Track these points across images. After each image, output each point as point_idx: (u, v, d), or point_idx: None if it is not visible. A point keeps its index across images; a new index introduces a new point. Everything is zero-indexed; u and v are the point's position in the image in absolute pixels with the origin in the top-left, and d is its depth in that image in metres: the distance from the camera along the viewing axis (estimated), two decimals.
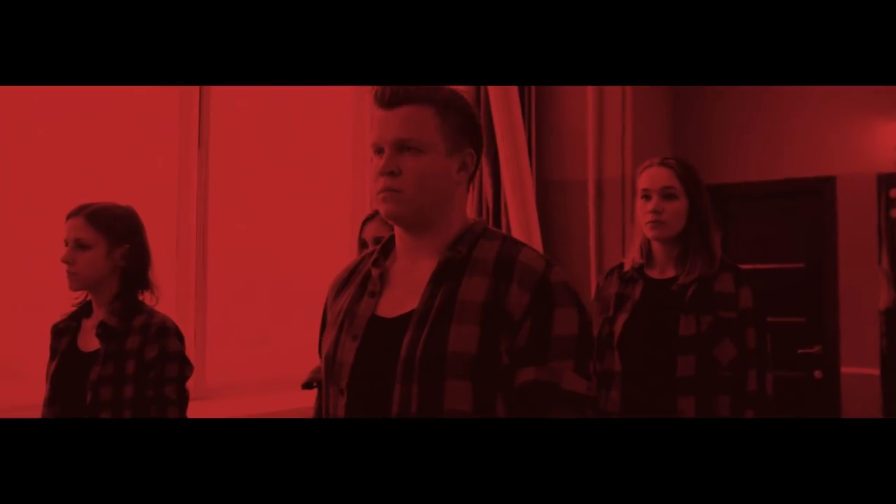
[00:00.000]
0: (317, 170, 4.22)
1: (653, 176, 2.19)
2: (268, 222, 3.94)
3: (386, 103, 1.38)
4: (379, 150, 1.38)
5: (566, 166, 4.74)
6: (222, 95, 3.65)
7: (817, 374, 4.61)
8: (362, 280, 1.46)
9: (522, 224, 4.42)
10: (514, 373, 1.30)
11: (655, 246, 2.23)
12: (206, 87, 3.57)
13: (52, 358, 2.01)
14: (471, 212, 4.61)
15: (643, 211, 2.20)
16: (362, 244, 2.47)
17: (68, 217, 1.97)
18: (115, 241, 1.97)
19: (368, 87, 4.25)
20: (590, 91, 4.67)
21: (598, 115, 4.69)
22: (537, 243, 4.50)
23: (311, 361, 1.97)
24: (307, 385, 2.10)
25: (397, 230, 1.45)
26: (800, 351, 4.65)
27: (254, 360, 4.05)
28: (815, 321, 4.62)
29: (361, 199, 4.28)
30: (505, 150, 4.43)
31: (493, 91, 4.44)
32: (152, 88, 3.51)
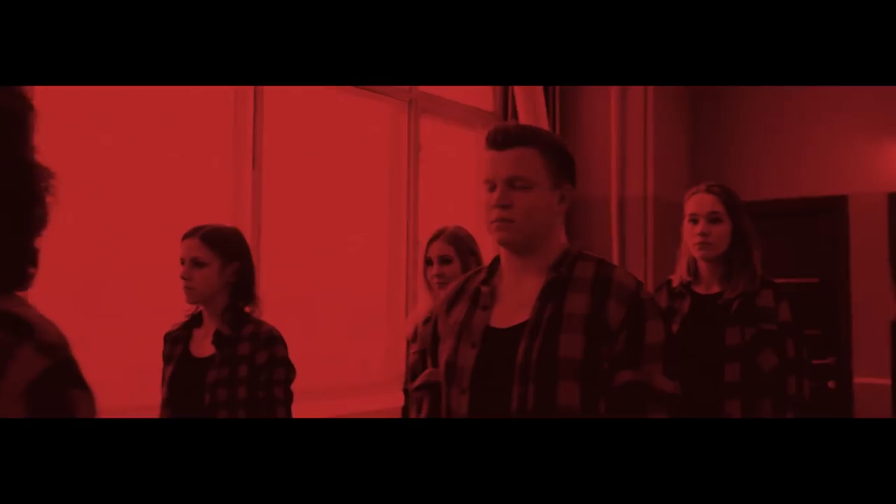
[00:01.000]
0: (355, 187, 4.48)
1: (699, 201, 2.47)
2: (314, 239, 4.19)
3: (498, 145, 1.65)
4: (492, 186, 1.65)
5: (589, 185, 5.01)
6: (272, 113, 3.92)
7: (831, 384, 4.89)
8: (473, 296, 1.72)
9: None
10: (612, 375, 1.56)
11: (702, 265, 2.50)
12: (258, 111, 3.83)
13: (166, 363, 2.27)
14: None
15: (691, 233, 2.47)
16: (428, 262, 2.74)
17: (184, 238, 2.24)
18: (226, 259, 2.23)
19: (405, 99, 4.53)
20: (613, 112, 4.95)
21: (621, 136, 4.97)
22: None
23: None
24: (419, 388, 2.35)
25: (504, 252, 1.71)
26: (814, 362, 4.92)
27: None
28: (829, 333, 4.90)
29: (398, 216, 4.54)
30: None
31: (522, 112, 4.72)
32: (208, 105, 3.77)
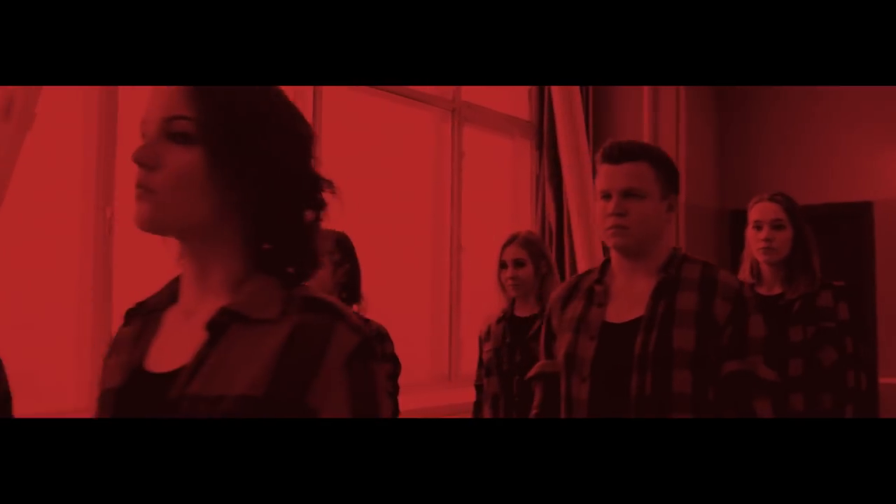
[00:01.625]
0: (400, 194, 4.68)
1: (763, 209, 2.69)
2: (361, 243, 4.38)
3: (614, 160, 1.86)
4: (607, 196, 1.86)
5: None
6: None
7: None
8: (587, 294, 1.93)
9: (586, 247, 4.90)
10: (720, 365, 1.78)
11: (764, 268, 2.72)
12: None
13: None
14: (532, 230, 5.10)
15: (755, 239, 2.69)
16: (502, 265, 2.95)
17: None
18: (338, 262, 2.44)
19: (448, 108, 4.74)
20: (645, 121, 5.18)
21: (654, 140, 5.20)
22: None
23: None
24: (533, 378, 2.55)
25: (615, 256, 1.92)
26: None
27: None
28: None
29: (442, 221, 4.74)
30: (571, 178, 4.92)
31: (560, 122, 4.93)
32: None
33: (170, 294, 1.08)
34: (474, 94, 4.90)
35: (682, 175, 5.05)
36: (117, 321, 1.14)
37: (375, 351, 1.02)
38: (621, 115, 5.30)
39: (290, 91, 3.66)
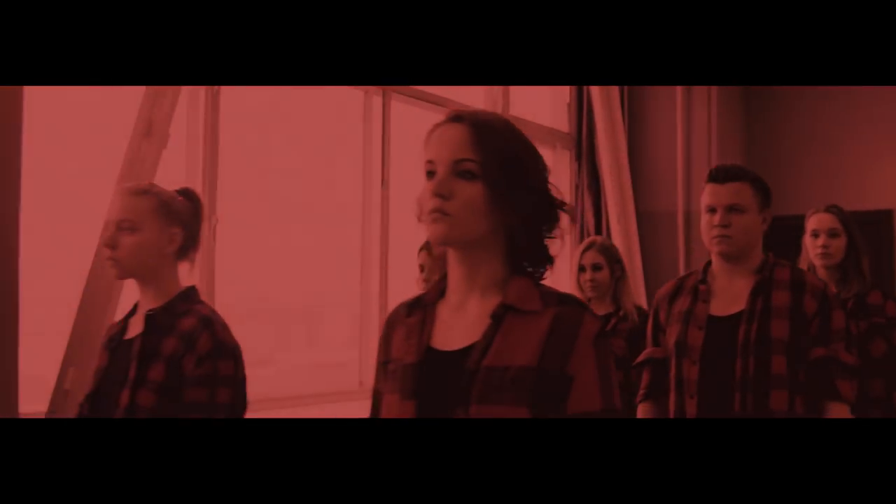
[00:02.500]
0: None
1: (820, 220, 3.07)
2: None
3: (719, 180, 2.24)
4: (712, 210, 2.23)
5: (657, 198, 5.61)
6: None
7: None
8: (692, 291, 2.30)
9: (625, 253, 5.27)
10: (808, 352, 2.15)
11: (821, 271, 3.10)
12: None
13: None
14: (572, 240, 5.48)
15: (813, 245, 3.07)
16: (581, 269, 3.31)
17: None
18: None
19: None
20: (679, 128, 5.56)
21: (686, 150, 5.58)
22: (638, 270, 5.37)
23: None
24: (642, 363, 2.85)
25: (717, 259, 2.29)
26: None
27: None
28: None
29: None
30: (611, 187, 5.31)
31: (601, 128, 5.31)
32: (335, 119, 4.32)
33: (439, 292, 1.44)
34: (519, 108, 5.27)
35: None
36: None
37: (608, 332, 1.38)
38: (654, 120, 5.68)
39: (356, 102, 3.99)
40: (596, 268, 3.27)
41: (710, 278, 2.30)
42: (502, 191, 1.33)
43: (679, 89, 5.59)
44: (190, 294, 1.87)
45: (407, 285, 4.85)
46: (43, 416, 2.76)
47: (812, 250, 3.09)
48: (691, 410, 2.16)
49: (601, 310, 3.28)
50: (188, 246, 1.89)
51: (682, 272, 5.46)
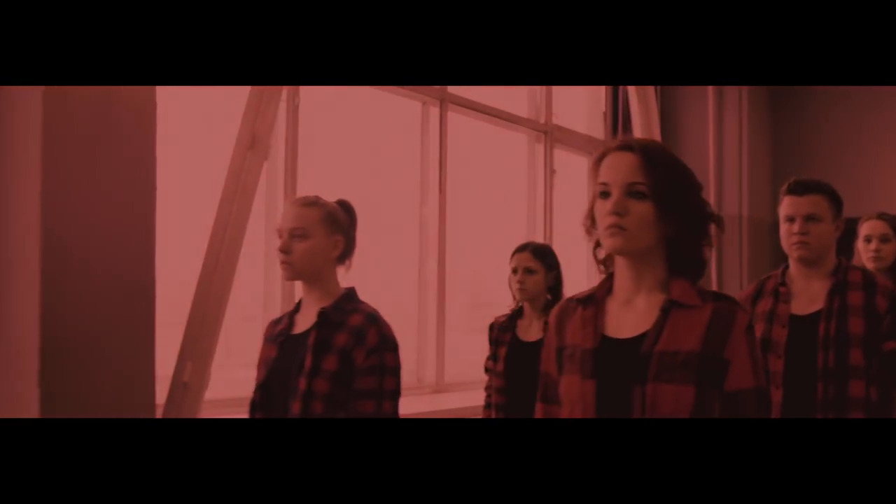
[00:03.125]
0: (496, 208, 5.32)
1: (873, 226, 3.36)
2: (463, 254, 5.00)
3: (798, 193, 2.52)
4: (791, 220, 2.51)
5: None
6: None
7: None
8: (773, 293, 2.58)
9: None
10: (881, 345, 2.44)
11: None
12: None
13: (498, 346, 3.11)
14: None
15: (865, 249, 3.36)
16: None
17: (515, 252, 3.11)
18: (548, 268, 3.09)
19: (542, 130, 5.37)
20: (710, 135, 5.86)
21: (719, 159, 5.88)
22: None
23: None
24: None
25: (795, 263, 2.57)
26: None
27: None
28: None
29: (536, 231, 5.39)
30: None
31: (638, 127, 5.60)
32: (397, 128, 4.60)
33: (607, 289, 1.72)
34: (558, 117, 5.55)
35: (744, 191, 5.76)
36: None
37: (753, 325, 1.66)
38: (686, 126, 5.97)
39: (414, 113, 4.28)
40: None
41: (788, 281, 2.58)
42: (667, 208, 1.62)
43: (711, 95, 5.89)
44: (352, 294, 2.15)
45: (461, 282, 5.19)
46: (162, 408, 3.02)
47: (864, 254, 3.37)
48: (777, 399, 2.45)
49: None
50: (347, 252, 2.17)
51: (714, 273, 5.77)
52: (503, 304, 3.27)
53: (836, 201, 2.54)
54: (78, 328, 2.55)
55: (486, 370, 3.24)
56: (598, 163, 1.69)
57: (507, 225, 5.38)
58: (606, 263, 1.74)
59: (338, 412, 2.01)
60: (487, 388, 3.22)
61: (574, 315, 1.73)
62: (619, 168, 1.63)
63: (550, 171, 5.44)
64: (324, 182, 4.21)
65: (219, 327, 3.11)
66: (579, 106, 5.95)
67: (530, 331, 3.12)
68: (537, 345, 3.03)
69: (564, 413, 1.68)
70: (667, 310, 1.62)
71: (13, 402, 2.51)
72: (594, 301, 1.71)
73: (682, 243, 1.65)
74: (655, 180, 1.61)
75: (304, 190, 3.92)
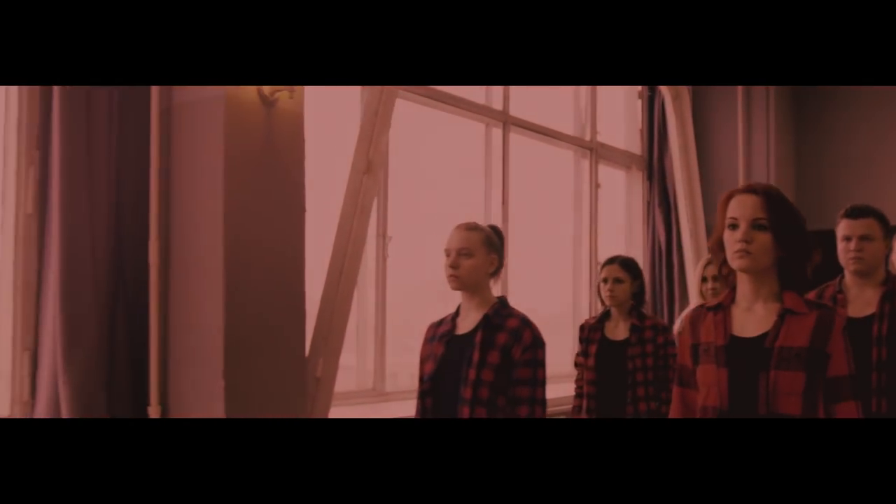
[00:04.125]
0: (545, 219, 5.86)
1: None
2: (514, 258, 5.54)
3: (854, 217, 3.07)
4: (848, 239, 3.06)
5: (714, 213, 6.44)
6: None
7: None
8: (832, 299, 3.13)
9: (694, 266, 6.11)
10: None
11: None
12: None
13: (588, 344, 3.66)
14: (645, 252, 6.34)
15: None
16: (704, 279, 4.13)
17: (605, 264, 3.67)
18: (633, 278, 3.65)
19: (588, 147, 5.91)
20: (740, 152, 6.42)
21: (748, 170, 6.44)
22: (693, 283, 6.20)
23: None
24: None
25: (850, 275, 3.12)
26: None
27: None
28: None
29: (582, 241, 5.93)
30: (685, 205, 6.16)
31: (675, 147, 6.15)
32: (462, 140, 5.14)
33: (732, 299, 2.26)
34: (600, 134, 6.10)
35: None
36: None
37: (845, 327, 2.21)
38: (715, 139, 6.53)
39: (479, 133, 4.84)
40: (716, 278, 4.10)
41: (845, 289, 3.14)
42: (782, 237, 2.16)
43: (741, 114, 6.44)
44: (505, 301, 2.68)
45: (522, 284, 5.71)
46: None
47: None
48: None
49: None
50: (499, 268, 2.71)
51: None
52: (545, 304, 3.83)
53: (885, 223, 3.10)
54: (252, 324, 3.08)
55: (576, 364, 3.78)
56: (726, 201, 2.23)
57: (557, 233, 5.94)
58: (729, 278, 2.28)
59: (499, 396, 2.55)
60: (578, 381, 3.77)
61: (706, 319, 2.27)
62: (746, 206, 2.18)
63: (595, 185, 6.00)
64: (406, 195, 4.75)
65: (344, 327, 3.64)
66: (618, 123, 6.50)
67: (617, 331, 3.68)
68: (623, 343, 3.60)
69: (701, 395, 2.22)
70: (783, 315, 2.16)
71: (201, 388, 3.04)
72: (722, 308, 2.26)
73: (791, 264, 2.20)
74: (773, 216, 2.15)
75: (394, 203, 4.47)
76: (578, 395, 3.74)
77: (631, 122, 6.55)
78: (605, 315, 3.73)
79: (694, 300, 4.25)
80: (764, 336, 2.16)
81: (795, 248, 2.19)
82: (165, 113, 3.12)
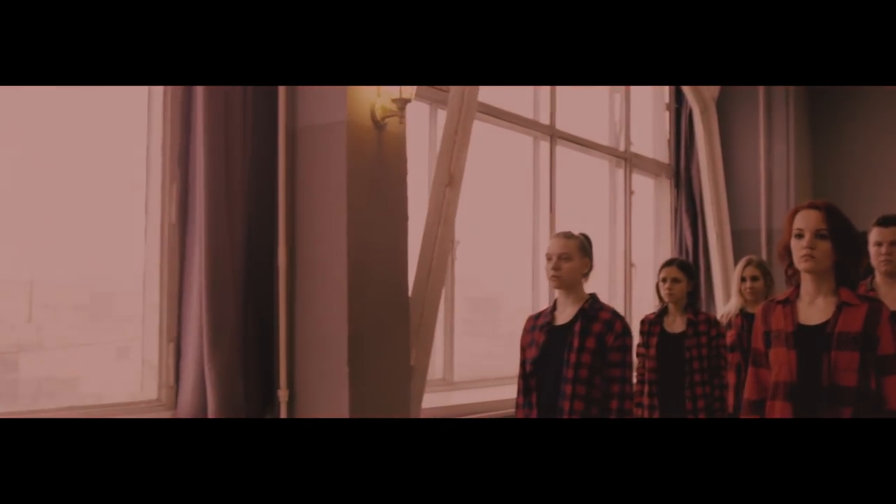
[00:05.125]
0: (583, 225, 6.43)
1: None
2: None
3: (886, 224, 3.63)
4: (880, 244, 3.62)
5: (741, 218, 7.03)
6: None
7: None
8: None
9: (723, 266, 6.69)
10: None
11: None
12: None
13: (648, 337, 4.22)
14: (673, 254, 6.90)
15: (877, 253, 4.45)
16: (742, 279, 4.68)
17: (664, 266, 4.23)
18: (690, 278, 4.21)
19: (623, 157, 6.48)
20: (762, 157, 6.99)
21: (769, 181, 7.01)
22: (734, 280, 6.76)
23: None
24: None
25: (881, 276, 3.67)
26: None
27: None
28: None
29: (618, 245, 6.49)
30: (711, 210, 6.73)
31: (703, 156, 6.72)
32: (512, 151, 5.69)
33: (797, 294, 2.81)
34: (633, 145, 6.67)
35: (791, 203, 6.90)
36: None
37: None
38: (738, 149, 7.11)
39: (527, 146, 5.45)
40: (755, 279, 4.67)
41: (876, 287, 3.70)
42: (839, 245, 2.73)
43: (761, 121, 7.02)
44: (597, 297, 3.24)
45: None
46: None
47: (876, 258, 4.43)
48: None
49: (754, 308, 4.67)
50: (590, 270, 3.27)
51: None
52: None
53: None
54: (369, 318, 3.63)
55: (638, 355, 4.34)
56: (792, 215, 2.79)
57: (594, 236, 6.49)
58: (793, 278, 2.84)
59: (595, 376, 3.11)
60: (640, 369, 4.33)
61: (776, 310, 2.83)
62: (810, 219, 2.74)
63: (629, 192, 6.57)
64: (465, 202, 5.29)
65: (434, 322, 4.19)
66: (647, 134, 7.07)
67: (675, 325, 4.24)
68: (681, 335, 4.17)
69: (773, 372, 2.77)
70: (840, 307, 2.72)
71: (328, 374, 3.58)
72: (790, 302, 2.82)
73: (845, 265, 2.77)
74: (832, 228, 2.72)
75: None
76: (640, 381, 4.30)
77: (659, 133, 7.12)
78: (664, 311, 4.30)
79: (734, 297, 4.80)
80: (825, 324, 2.72)
81: (849, 253, 2.75)
82: (291, 135, 3.66)
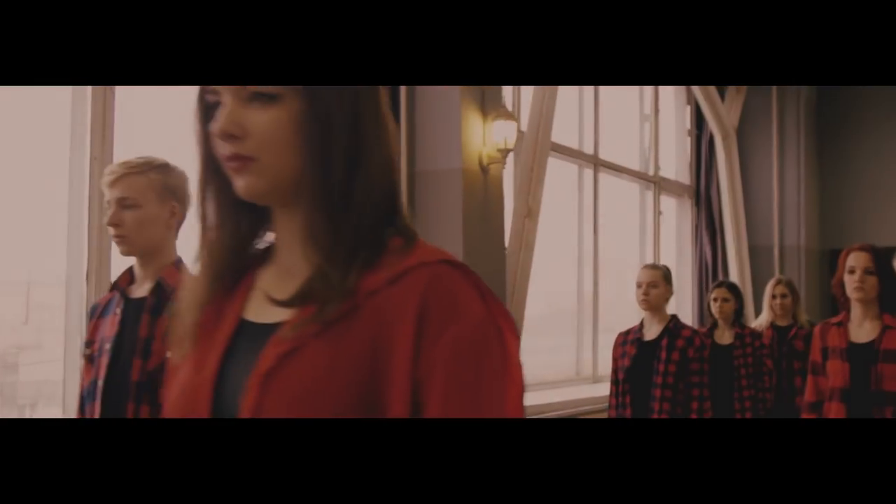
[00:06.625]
0: (611, 246, 7.26)
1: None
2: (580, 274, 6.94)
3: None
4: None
5: (756, 235, 7.90)
6: None
7: None
8: None
9: (741, 281, 7.54)
10: None
11: None
12: None
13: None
14: (693, 270, 7.75)
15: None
16: (773, 297, 5.52)
17: (715, 287, 5.06)
18: (736, 298, 5.04)
19: (652, 181, 7.33)
20: (775, 179, 7.86)
21: (781, 202, 7.89)
22: (749, 293, 7.63)
23: None
24: None
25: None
26: None
27: None
28: None
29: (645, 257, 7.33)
30: (731, 229, 7.59)
31: (723, 179, 7.57)
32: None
33: (848, 318, 3.64)
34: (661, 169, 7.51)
35: (803, 223, 7.82)
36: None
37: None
38: (753, 178, 7.98)
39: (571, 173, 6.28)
40: (784, 296, 5.51)
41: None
42: (883, 280, 3.57)
43: (775, 146, 7.89)
44: (678, 318, 4.06)
45: (613, 297, 7.07)
46: None
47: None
48: None
49: (785, 322, 5.51)
50: (671, 295, 4.09)
51: None
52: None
53: None
54: None
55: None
56: (846, 255, 3.63)
57: (624, 252, 7.34)
58: (845, 305, 3.67)
59: (679, 382, 3.93)
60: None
61: (831, 330, 3.67)
62: (860, 259, 3.58)
63: (658, 213, 7.41)
64: None
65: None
66: (670, 158, 7.91)
67: (724, 338, 5.08)
68: (729, 347, 5.01)
69: (830, 380, 3.59)
70: (884, 329, 3.56)
71: None
72: (843, 324, 3.66)
73: (887, 296, 3.61)
74: (878, 266, 3.56)
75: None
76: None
77: (681, 156, 7.96)
78: (714, 325, 5.13)
79: (765, 312, 5.65)
80: (872, 342, 3.56)
81: (890, 286, 3.60)
82: (410, 178, 4.45)
